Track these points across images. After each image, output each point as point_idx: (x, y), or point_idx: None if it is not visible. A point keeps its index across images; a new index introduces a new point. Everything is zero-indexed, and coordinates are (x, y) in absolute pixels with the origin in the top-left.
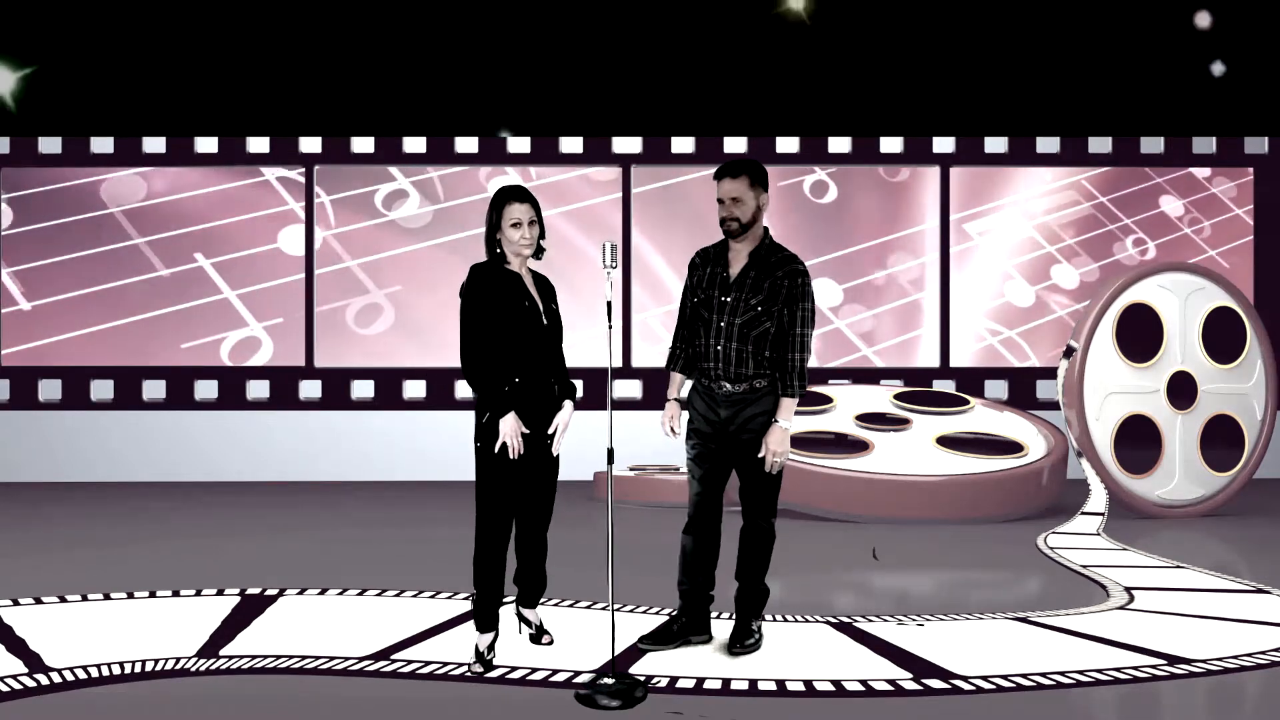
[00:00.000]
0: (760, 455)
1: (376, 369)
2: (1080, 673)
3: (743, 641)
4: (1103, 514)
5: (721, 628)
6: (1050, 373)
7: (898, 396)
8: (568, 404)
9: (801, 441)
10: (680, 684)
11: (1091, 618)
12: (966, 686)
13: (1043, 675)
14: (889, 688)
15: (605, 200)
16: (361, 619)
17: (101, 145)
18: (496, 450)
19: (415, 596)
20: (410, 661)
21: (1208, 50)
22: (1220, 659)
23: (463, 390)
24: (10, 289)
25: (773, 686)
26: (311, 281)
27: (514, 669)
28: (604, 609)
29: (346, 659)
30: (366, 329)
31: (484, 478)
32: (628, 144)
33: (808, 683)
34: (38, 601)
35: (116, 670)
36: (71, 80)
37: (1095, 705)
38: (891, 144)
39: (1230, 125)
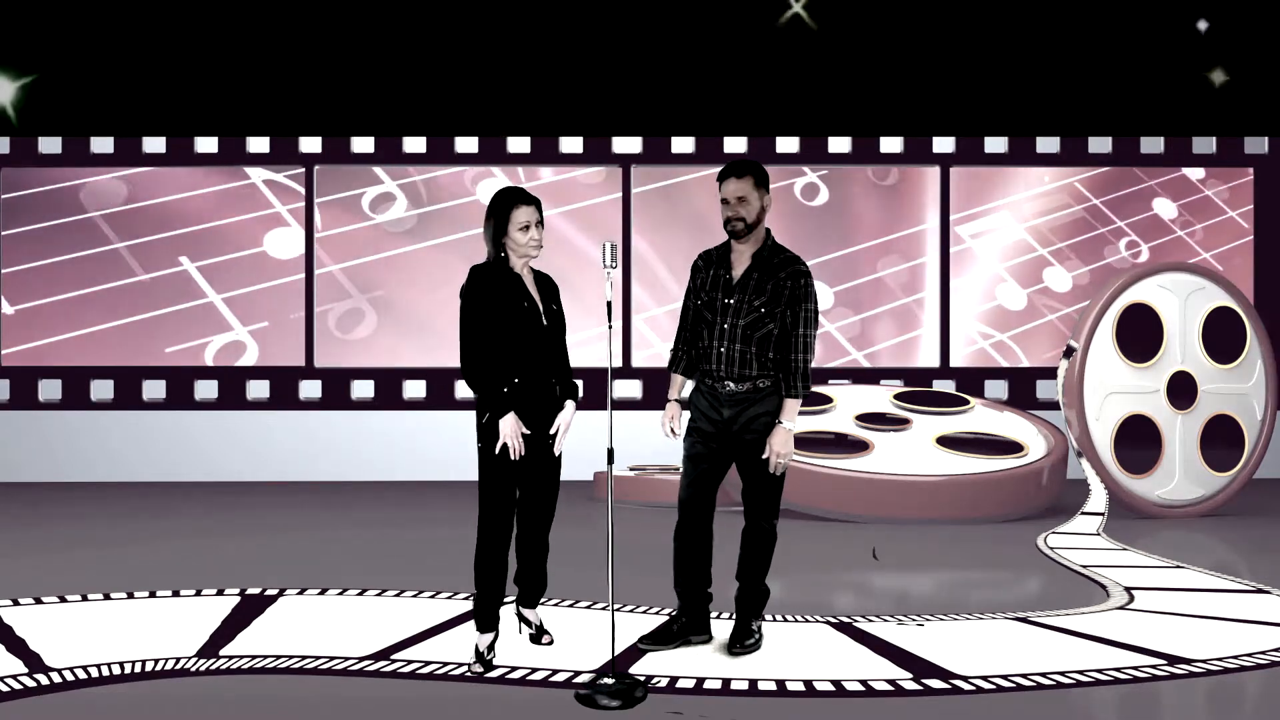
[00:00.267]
0: (764, 456)
1: (376, 369)
2: (1080, 673)
3: (743, 641)
4: (1103, 514)
5: (721, 628)
6: (1049, 373)
7: (898, 396)
8: (569, 404)
9: (802, 441)
10: (680, 684)
11: (1091, 618)
12: (966, 686)
13: (1043, 675)
14: (889, 688)
15: (605, 200)
16: (361, 619)
17: (101, 145)
18: (497, 451)
19: (415, 596)
20: (410, 661)
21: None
22: (1220, 659)
23: (462, 390)
24: None
25: (773, 686)
26: (311, 281)
27: (514, 669)
28: (604, 609)
29: (346, 659)
30: (348, 334)
31: (485, 478)
32: (628, 144)
33: (808, 683)
34: (38, 601)
35: (116, 670)
36: (70, 80)
37: (1095, 705)
38: (891, 144)
39: (1230, 125)
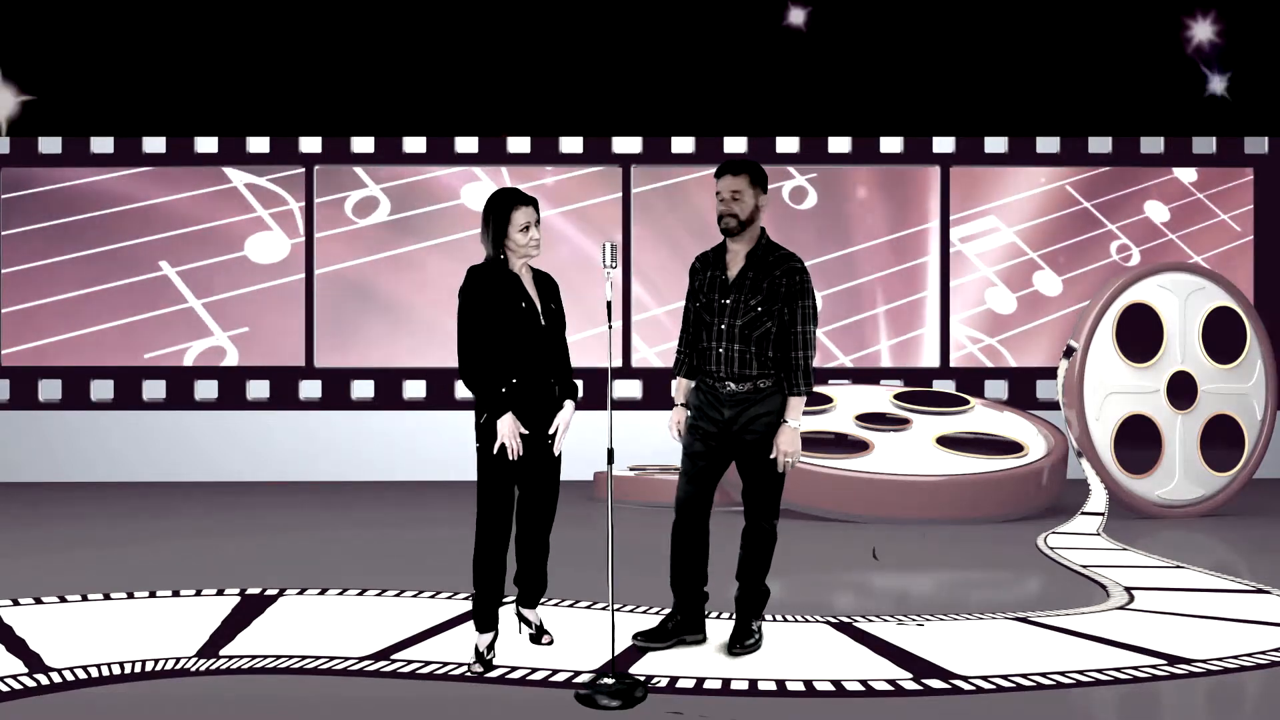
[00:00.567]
0: (771, 456)
1: (376, 369)
2: (1080, 673)
3: (743, 641)
4: (1103, 514)
5: (720, 628)
6: (1049, 373)
7: (898, 396)
8: (568, 404)
9: (802, 441)
10: (680, 684)
11: (1091, 618)
12: (966, 686)
13: (1043, 675)
14: (889, 688)
15: (605, 200)
16: (361, 619)
17: (101, 145)
18: (495, 451)
19: (415, 596)
20: (410, 661)
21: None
22: (1220, 659)
23: (462, 390)
24: None
25: (773, 686)
26: (311, 281)
27: (514, 669)
28: (604, 609)
29: (346, 659)
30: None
31: (483, 478)
32: (628, 144)
33: (808, 683)
34: (38, 601)
35: (116, 670)
36: (70, 81)
37: (1095, 705)
38: (891, 144)
39: (1230, 125)
